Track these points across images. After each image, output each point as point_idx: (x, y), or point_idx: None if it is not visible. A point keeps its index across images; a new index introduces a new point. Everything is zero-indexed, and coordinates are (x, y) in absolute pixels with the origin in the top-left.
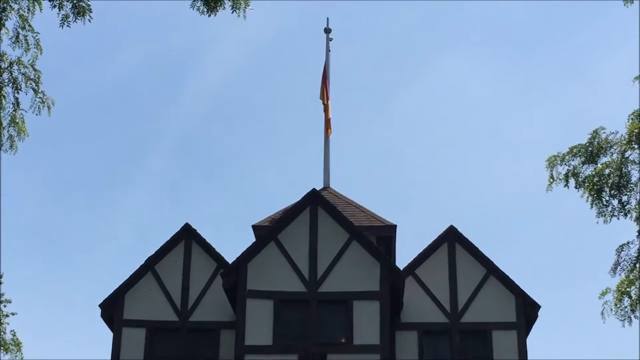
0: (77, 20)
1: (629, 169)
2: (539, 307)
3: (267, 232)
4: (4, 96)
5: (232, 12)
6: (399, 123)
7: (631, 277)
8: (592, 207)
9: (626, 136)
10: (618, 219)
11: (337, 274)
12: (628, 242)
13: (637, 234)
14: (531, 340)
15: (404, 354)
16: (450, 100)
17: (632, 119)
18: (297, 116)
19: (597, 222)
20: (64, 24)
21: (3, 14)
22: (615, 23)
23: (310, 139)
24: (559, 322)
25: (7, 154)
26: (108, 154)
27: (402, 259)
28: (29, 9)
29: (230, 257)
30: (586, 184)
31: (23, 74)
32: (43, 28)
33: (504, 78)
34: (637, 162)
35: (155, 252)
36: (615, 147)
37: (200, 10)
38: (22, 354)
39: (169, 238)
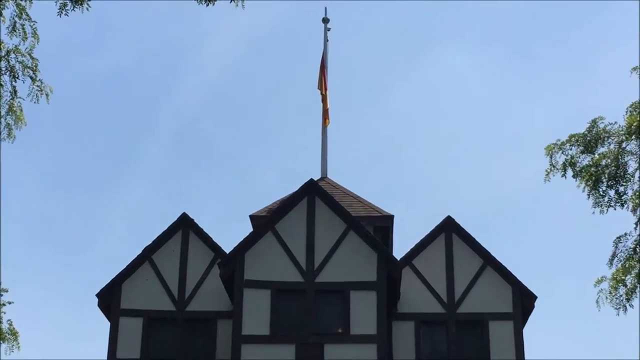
0: (75, 9)
1: (626, 159)
2: (535, 297)
3: (265, 222)
4: (1, 84)
5: (230, 1)
6: (397, 113)
7: (627, 265)
8: (588, 197)
9: (624, 127)
10: (615, 209)
11: (334, 264)
12: (625, 234)
13: (634, 225)
14: (528, 330)
15: (401, 344)
16: (448, 92)
17: (630, 111)
18: (294, 106)
19: (594, 213)
20: (61, 12)
21: (1, 2)
22: (616, 20)
23: (308, 129)
24: (555, 313)
25: (5, 142)
26: (105, 143)
27: (399, 250)
28: None
29: (227, 247)
30: (583, 174)
31: (20, 62)
32: (40, 17)
33: (502, 70)
34: (635, 152)
35: (153, 241)
36: (613, 138)
37: (199, 0)
38: (18, 343)
39: (166, 228)
